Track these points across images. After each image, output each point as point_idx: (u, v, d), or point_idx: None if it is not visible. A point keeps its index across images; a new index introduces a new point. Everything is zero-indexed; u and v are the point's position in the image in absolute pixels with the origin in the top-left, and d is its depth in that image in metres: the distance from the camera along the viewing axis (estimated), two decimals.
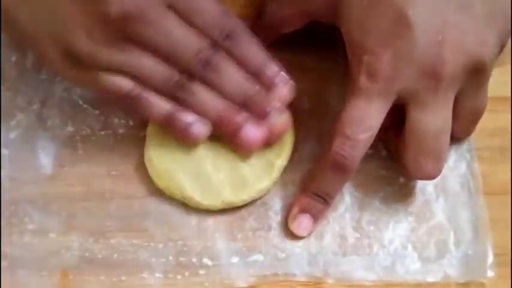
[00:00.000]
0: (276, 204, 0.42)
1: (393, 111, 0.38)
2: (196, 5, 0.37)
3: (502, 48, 0.39)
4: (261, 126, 0.39)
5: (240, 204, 0.41)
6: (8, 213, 0.41)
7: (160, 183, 0.41)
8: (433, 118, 0.37)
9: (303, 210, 0.40)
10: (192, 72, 0.38)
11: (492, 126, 0.44)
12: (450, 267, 0.40)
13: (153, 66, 0.37)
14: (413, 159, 0.38)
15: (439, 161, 0.39)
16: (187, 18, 0.37)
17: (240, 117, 0.39)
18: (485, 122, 0.41)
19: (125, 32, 0.36)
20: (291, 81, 0.40)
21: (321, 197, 0.40)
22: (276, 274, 0.39)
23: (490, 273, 0.40)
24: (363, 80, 0.37)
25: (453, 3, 0.37)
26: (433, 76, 0.36)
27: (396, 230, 0.41)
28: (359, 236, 0.41)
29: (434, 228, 0.41)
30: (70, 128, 0.43)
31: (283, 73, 0.39)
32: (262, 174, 0.41)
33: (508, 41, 0.39)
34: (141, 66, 0.37)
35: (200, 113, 0.39)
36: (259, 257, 0.40)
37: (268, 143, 0.40)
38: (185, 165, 0.41)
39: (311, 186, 0.40)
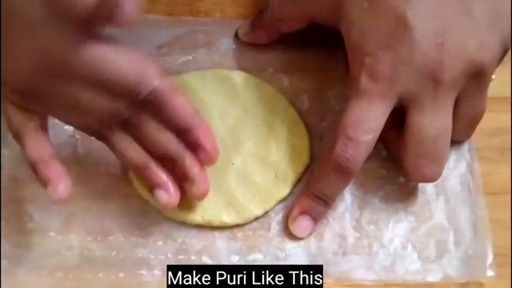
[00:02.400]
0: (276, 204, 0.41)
1: (394, 113, 0.38)
2: (106, 75, 0.35)
3: (504, 52, 0.39)
4: (175, 192, 0.38)
5: (220, 225, 0.41)
6: (7, 213, 0.41)
7: (139, 187, 0.41)
8: (432, 121, 0.37)
9: (303, 212, 0.40)
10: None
11: (492, 126, 0.44)
12: (450, 267, 0.40)
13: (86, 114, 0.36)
14: (413, 162, 0.38)
15: (438, 164, 0.39)
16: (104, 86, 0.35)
17: (155, 177, 0.37)
18: (485, 122, 0.41)
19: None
20: (216, 145, 0.38)
21: (322, 199, 0.39)
22: None
23: (490, 273, 0.39)
24: (364, 82, 0.37)
25: (453, 6, 0.37)
26: (433, 79, 0.36)
27: (396, 230, 0.41)
28: (359, 235, 0.41)
29: (434, 228, 0.41)
30: (70, 128, 0.43)
31: (206, 135, 0.38)
32: (257, 201, 0.41)
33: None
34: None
35: (126, 156, 0.37)
36: (259, 256, 0.40)
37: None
38: None
39: (312, 187, 0.40)
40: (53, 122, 0.43)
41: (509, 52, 0.39)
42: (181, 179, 0.38)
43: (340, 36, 0.40)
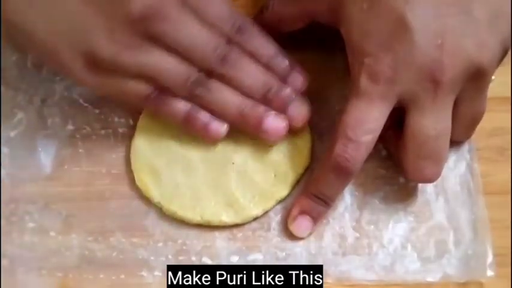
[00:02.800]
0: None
1: (393, 114, 0.38)
2: (206, 1, 0.38)
3: (505, 53, 0.39)
4: (282, 117, 0.40)
5: (220, 225, 0.41)
6: (8, 212, 0.41)
7: (140, 182, 0.41)
8: (432, 122, 0.37)
9: (303, 212, 0.40)
10: (210, 69, 0.39)
11: (492, 126, 0.43)
12: (449, 267, 0.40)
13: (172, 66, 0.38)
14: (413, 162, 0.38)
15: (438, 165, 0.39)
16: (199, 15, 0.38)
17: (261, 109, 0.40)
18: (485, 122, 0.41)
19: (146, 31, 0.37)
20: (304, 71, 0.41)
21: (322, 199, 0.40)
22: None
23: (490, 273, 0.39)
24: (363, 82, 0.37)
25: (453, 7, 0.37)
26: (432, 80, 0.36)
27: (396, 230, 0.41)
28: (358, 235, 0.41)
29: (434, 228, 0.41)
30: (70, 127, 0.43)
31: (295, 63, 0.41)
32: (256, 201, 0.41)
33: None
34: (161, 66, 0.38)
35: (220, 109, 0.40)
36: (258, 256, 0.40)
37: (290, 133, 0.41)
38: (171, 172, 0.41)
39: (312, 188, 0.40)
40: (53, 121, 0.43)
41: (510, 53, 0.39)
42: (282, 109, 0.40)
43: (340, 37, 0.40)
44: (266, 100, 0.40)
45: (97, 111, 0.44)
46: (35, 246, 0.40)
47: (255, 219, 0.41)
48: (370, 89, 0.37)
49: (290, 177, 0.42)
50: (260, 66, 0.40)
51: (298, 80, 0.40)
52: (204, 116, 0.40)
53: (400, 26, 0.36)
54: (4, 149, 0.42)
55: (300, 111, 0.41)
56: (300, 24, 0.43)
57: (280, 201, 0.41)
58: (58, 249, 0.40)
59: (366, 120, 0.37)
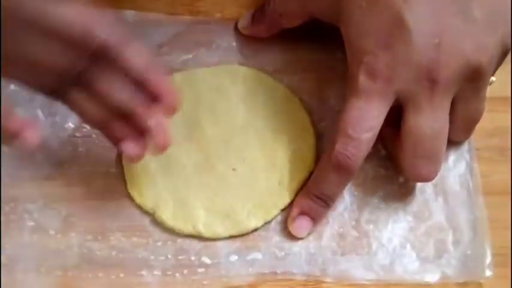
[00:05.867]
0: None
1: (391, 112, 0.38)
2: (58, 24, 0.34)
3: (504, 54, 0.39)
4: (139, 142, 0.37)
5: (212, 237, 0.40)
6: (7, 211, 0.41)
7: (131, 189, 0.41)
8: (429, 121, 0.37)
9: (303, 213, 0.40)
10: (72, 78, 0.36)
11: (492, 126, 0.44)
12: (448, 267, 0.40)
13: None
14: (410, 161, 0.38)
15: (435, 164, 0.39)
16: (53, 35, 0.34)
17: (119, 130, 0.37)
18: (485, 122, 0.41)
19: None
20: (174, 93, 0.37)
21: (322, 199, 0.39)
22: (275, 273, 0.39)
23: (488, 273, 0.39)
24: (362, 80, 0.37)
25: (451, 7, 0.37)
26: (430, 78, 0.36)
27: (395, 229, 0.41)
28: (358, 235, 0.41)
29: (433, 228, 0.41)
30: (70, 126, 0.43)
31: (161, 84, 0.37)
32: (256, 212, 0.40)
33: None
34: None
35: (83, 116, 0.37)
36: (258, 256, 0.40)
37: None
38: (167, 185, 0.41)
39: (312, 188, 0.40)
40: (53, 121, 0.43)
41: (509, 53, 0.39)
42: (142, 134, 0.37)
43: (339, 36, 0.40)
44: (126, 121, 0.37)
45: None
46: (35, 245, 0.40)
47: (254, 230, 0.41)
48: (369, 87, 0.37)
49: (294, 184, 0.41)
50: (121, 88, 0.36)
51: (160, 107, 0.36)
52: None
53: (398, 25, 0.36)
54: (4, 148, 0.42)
55: (160, 138, 0.37)
56: (300, 20, 0.43)
57: (283, 210, 0.41)
58: (57, 248, 0.40)
59: (366, 118, 0.37)
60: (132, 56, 0.35)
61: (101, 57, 0.35)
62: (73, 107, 0.37)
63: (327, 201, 0.40)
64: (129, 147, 0.37)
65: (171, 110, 0.37)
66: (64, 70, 0.35)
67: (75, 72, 0.35)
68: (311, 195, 0.40)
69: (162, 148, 0.37)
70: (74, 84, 0.36)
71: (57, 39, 0.34)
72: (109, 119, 0.37)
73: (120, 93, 0.36)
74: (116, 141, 0.38)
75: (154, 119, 0.36)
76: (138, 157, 0.37)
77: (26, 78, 0.36)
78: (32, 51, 0.34)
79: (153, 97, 0.36)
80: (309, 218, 0.40)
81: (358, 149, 0.37)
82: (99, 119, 0.37)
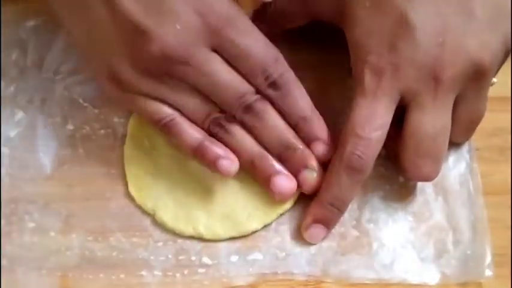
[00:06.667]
0: None
1: (394, 111, 0.38)
2: (242, 50, 0.37)
3: (507, 53, 0.39)
4: (290, 178, 0.39)
5: (213, 238, 0.40)
6: (8, 212, 0.41)
7: (132, 189, 0.41)
8: (431, 120, 0.37)
9: (317, 221, 0.40)
10: (232, 113, 0.38)
11: (492, 126, 0.44)
12: (448, 267, 0.40)
13: (192, 102, 0.38)
14: (411, 160, 0.38)
15: (436, 163, 0.39)
16: (232, 62, 0.37)
17: (272, 165, 0.39)
18: (485, 122, 0.41)
19: (168, 69, 0.37)
20: (330, 144, 0.39)
21: (335, 207, 0.39)
22: (276, 273, 0.39)
23: (488, 273, 0.39)
24: (367, 80, 0.37)
25: (454, 6, 0.37)
26: (433, 77, 0.37)
27: (395, 229, 0.41)
28: (358, 234, 0.41)
29: (433, 228, 0.41)
30: (70, 127, 0.43)
31: (325, 132, 0.40)
32: (257, 214, 0.40)
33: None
34: (180, 100, 0.38)
35: (233, 152, 0.39)
36: (258, 256, 0.40)
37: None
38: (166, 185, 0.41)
39: (325, 195, 0.39)
40: (53, 120, 0.43)
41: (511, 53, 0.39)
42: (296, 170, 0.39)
43: (341, 36, 0.40)
44: (282, 158, 0.39)
45: (97, 111, 0.44)
46: (35, 246, 0.40)
47: (254, 233, 0.41)
48: (375, 85, 0.37)
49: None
50: (285, 124, 0.39)
51: (320, 149, 0.39)
52: (217, 149, 0.38)
53: (402, 24, 0.37)
54: (4, 149, 0.42)
55: (310, 179, 0.39)
56: (302, 21, 0.43)
57: (282, 214, 0.41)
58: (58, 249, 0.40)
59: (374, 117, 0.37)
60: (302, 94, 0.39)
61: (275, 89, 0.38)
62: (229, 139, 0.39)
63: (340, 208, 0.39)
64: (283, 180, 0.39)
65: (327, 154, 0.39)
66: (241, 96, 0.38)
67: (249, 101, 0.38)
68: (324, 204, 0.39)
69: (316, 186, 0.39)
70: (238, 116, 0.38)
71: (245, 64, 0.37)
72: (264, 154, 0.39)
73: (285, 127, 0.39)
74: (264, 178, 0.39)
75: (314, 160, 0.39)
76: (291, 192, 0.39)
77: (194, 106, 0.38)
78: (220, 73, 0.37)
79: (311, 138, 0.39)
80: (322, 226, 0.40)
81: (369, 148, 0.37)
82: (256, 153, 0.39)
